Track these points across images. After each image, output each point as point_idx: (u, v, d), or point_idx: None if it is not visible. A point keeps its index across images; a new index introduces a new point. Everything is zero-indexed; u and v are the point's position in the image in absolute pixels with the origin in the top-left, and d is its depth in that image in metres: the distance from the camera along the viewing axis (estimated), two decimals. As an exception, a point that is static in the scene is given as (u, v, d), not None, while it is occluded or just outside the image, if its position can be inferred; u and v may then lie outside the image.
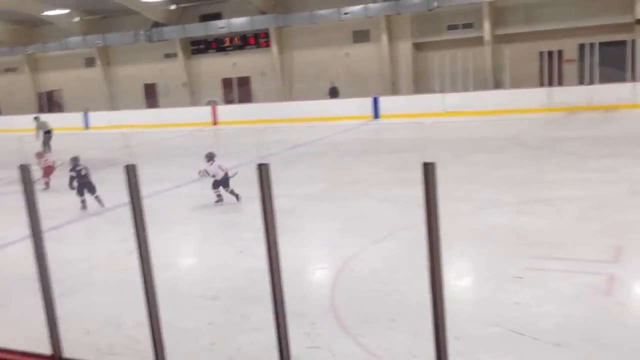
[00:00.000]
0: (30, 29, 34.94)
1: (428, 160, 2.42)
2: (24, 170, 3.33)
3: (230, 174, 10.59)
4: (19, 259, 7.80)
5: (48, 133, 22.18)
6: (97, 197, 10.99)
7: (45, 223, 3.55)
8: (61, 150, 13.89)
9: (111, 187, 12.03)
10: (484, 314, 5.33)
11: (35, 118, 23.42)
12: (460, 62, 23.49)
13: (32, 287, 3.26)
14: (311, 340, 4.96)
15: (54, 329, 3.25)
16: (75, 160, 11.30)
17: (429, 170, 2.43)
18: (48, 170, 13.58)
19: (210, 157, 10.66)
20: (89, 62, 34.75)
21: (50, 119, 30.51)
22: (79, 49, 33.51)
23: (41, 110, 34.46)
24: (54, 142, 21.67)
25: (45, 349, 3.30)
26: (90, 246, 9.40)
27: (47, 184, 13.47)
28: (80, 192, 11.02)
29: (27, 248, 3.35)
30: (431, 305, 2.52)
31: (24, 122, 25.70)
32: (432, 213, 2.47)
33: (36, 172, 13.90)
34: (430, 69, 25.22)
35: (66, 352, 3.32)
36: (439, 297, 2.54)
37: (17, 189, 3.50)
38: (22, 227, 3.40)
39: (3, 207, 11.59)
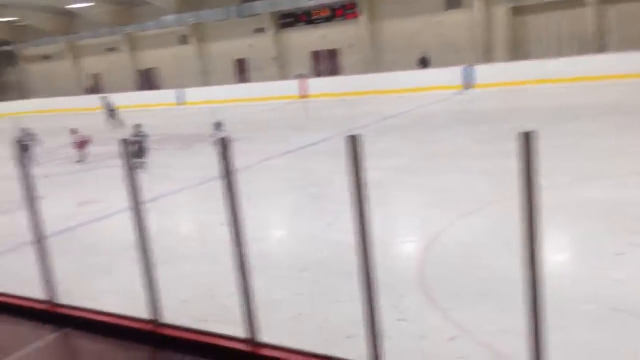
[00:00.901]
0: (129, 9, 36.47)
1: (522, 130, 2.29)
2: (123, 144, 3.49)
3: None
4: (120, 228, 8.27)
5: (112, 111, 24.12)
6: (141, 163, 12.12)
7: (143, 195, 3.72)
8: (155, 126, 14.55)
9: (203, 161, 12.47)
10: (581, 290, 5.10)
11: (102, 97, 25.65)
12: (560, 26, 22.26)
13: (134, 255, 3.45)
14: (399, 312, 4.94)
15: (153, 296, 3.43)
16: (136, 127, 12.95)
17: (527, 139, 2.29)
18: (81, 145, 15.13)
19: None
20: (182, 40, 35.87)
21: (148, 96, 32.03)
22: (173, 27, 34.65)
23: (141, 87, 36.11)
24: (123, 118, 23.04)
25: (145, 315, 3.49)
26: (183, 218, 9.81)
27: (81, 156, 15.06)
28: (136, 155, 12.10)
29: (127, 218, 3.54)
30: (527, 279, 2.41)
31: (122, 100, 27.14)
32: (530, 184, 2.34)
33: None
34: (528, 33, 24.07)
35: (164, 318, 3.50)
36: (535, 271, 2.42)
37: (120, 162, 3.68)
38: (124, 198, 3.59)
39: (107, 179, 12.30)
